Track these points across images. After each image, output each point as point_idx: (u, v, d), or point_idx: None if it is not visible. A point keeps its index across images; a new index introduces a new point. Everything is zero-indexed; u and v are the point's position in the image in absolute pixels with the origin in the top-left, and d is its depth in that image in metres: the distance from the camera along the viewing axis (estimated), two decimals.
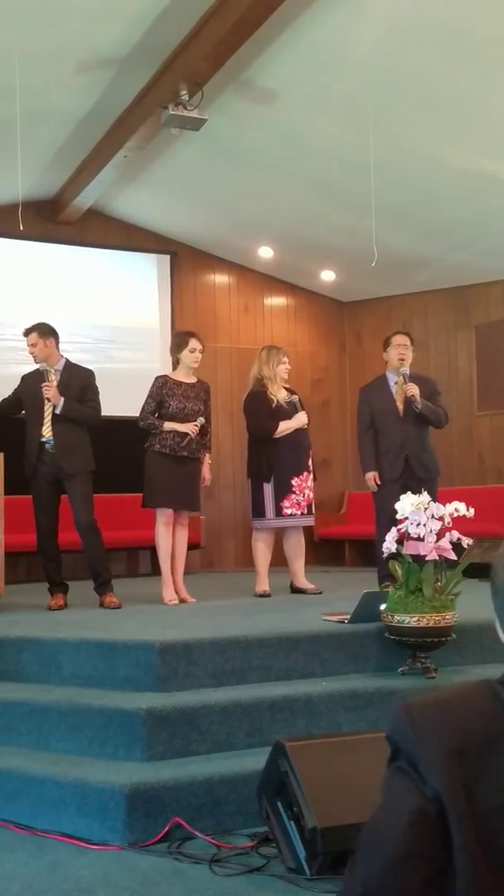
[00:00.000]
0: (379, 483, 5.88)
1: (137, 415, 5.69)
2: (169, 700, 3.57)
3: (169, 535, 5.62)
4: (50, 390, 5.45)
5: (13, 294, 8.24)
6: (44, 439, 5.49)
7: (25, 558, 7.50)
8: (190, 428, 5.58)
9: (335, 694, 3.76)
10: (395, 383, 5.95)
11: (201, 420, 5.65)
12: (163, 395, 5.63)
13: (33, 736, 3.68)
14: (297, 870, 2.85)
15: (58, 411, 5.45)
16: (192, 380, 5.79)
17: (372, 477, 5.90)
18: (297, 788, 2.86)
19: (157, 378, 5.76)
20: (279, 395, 5.94)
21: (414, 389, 5.80)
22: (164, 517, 5.60)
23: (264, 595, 5.82)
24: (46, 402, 5.48)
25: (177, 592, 5.65)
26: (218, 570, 8.73)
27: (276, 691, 3.73)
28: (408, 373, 5.91)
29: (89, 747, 3.53)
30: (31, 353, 5.60)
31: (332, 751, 3.03)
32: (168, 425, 5.56)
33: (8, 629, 4.48)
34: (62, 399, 5.44)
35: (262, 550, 5.92)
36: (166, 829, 3.13)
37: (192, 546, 6.90)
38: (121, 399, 6.85)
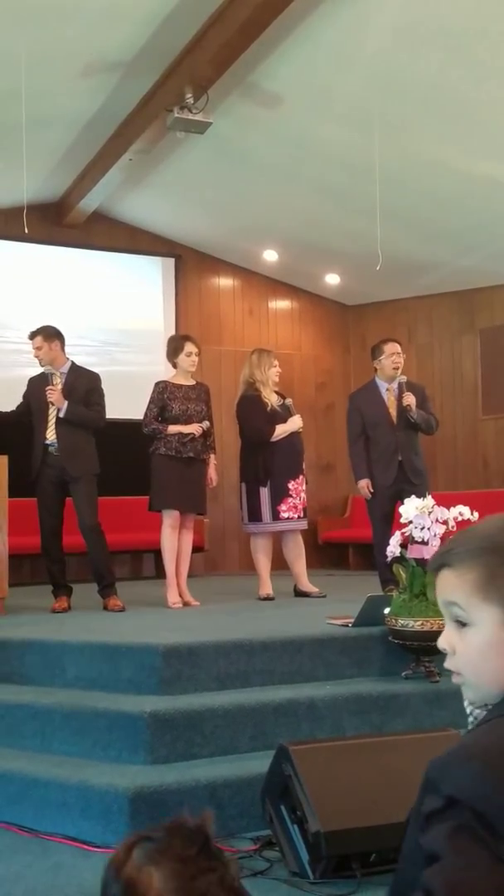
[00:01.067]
0: (372, 490, 5.88)
1: (141, 420, 5.70)
2: (172, 703, 3.56)
3: (175, 538, 5.62)
4: (53, 393, 5.46)
5: (18, 297, 8.25)
6: (48, 442, 5.50)
7: (30, 560, 7.51)
8: (195, 428, 5.60)
9: (339, 697, 3.75)
10: (387, 390, 5.94)
11: (206, 423, 5.68)
12: (164, 399, 5.65)
13: (37, 738, 3.68)
14: (300, 873, 2.84)
15: (61, 414, 5.47)
16: (191, 382, 5.81)
17: (365, 485, 5.89)
18: (300, 792, 2.86)
19: (156, 384, 5.77)
20: (272, 398, 5.94)
21: (410, 399, 5.81)
22: (170, 519, 5.61)
23: (268, 598, 5.82)
24: (50, 405, 5.50)
25: (181, 595, 5.65)
26: (222, 574, 8.73)
27: (280, 695, 3.73)
28: (404, 381, 5.91)
29: (93, 750, 3.52)
30: (37, 357, 5.62)
31: (335, 754, 3.02)
32: (172, 428, 5.58)
33: (12, 631, 4.48)
34: (66, 402, 5.46)
35: (261, 556, 5.92)
36: None
37: (196, 549, 6.88)
38: (126, 402, 6.85)
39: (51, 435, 5.51)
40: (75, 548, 5.74)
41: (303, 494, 5.89)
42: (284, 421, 5.89)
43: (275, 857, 2.98)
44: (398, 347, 5.99)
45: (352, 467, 6.11)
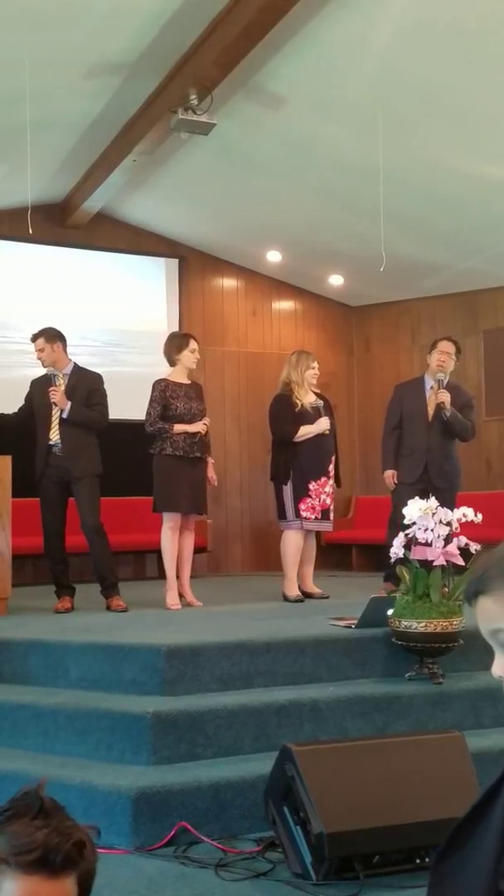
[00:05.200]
0: (396, 482, 5.97)
1: (144, 420, 5.67)
2: (175, 704, 3.57)
3: (175, 540, 5.61)
4: (56, 395, 5.48)
5: (22, 297, 8.25)
6: (52, 442, 5.51)
7: (32, 561, 7.51)
8: (200, 426, 5.60)
9: (342, 699, 3.75)
10: (431, 388, 5.98)
11: (207, 420, 5.69)
12: (167, 398, 5.62)
13: (40, 739, 3.69)
14: (303, 875, 2.85)
15: (64, 415, 5.48)
16: (188, 381, 5.81)
17: (390, 475, 6.00)
18: (303, 793, 2.86)
19: (157, 382, 5.71)
20: (305, 399, 5.95)
21: (444, 396, 5.84)
22: (171, 521, 5.59)
23: (298, 600, 5.76)
24: (54, 405, 5.51)
25: (183, 596, 5.64)
26: (225, 574, 8.73)
27: (283, 696, 3.73)
28: (444, 380, 5.93)
29: (96, 751, 3.53)
30: (39, 358, 5.64)
31: (338, 756, 3.02)
32: (178, 427, 5.55)
33: (15, 632, 4.49)
34: (69, 403, 5.47)
35: (292, 551, 5.84)
36: (172, 832, 3.13)
37: (199, 550, 6.89)
38: (129, 403, 6.84)
39: (54, 436, 5.52)
40: (77, 548, 5.74)
41: (324, 496, 5.85)
42: (313, 422, 5.90)
43: (277, 858, 2.99)
44: (450, 347, 6.02)
45: (381, 456, 6.17)
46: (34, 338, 5.65)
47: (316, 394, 6.08)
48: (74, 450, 5.51)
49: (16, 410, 5.79)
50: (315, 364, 6.10)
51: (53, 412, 5.54)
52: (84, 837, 1.44)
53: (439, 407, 5.84)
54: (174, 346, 5.83)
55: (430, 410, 5.93)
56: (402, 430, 6.03)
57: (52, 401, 5.49)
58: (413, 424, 5.96)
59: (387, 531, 5.96)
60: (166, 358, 5.86)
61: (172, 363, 5.81)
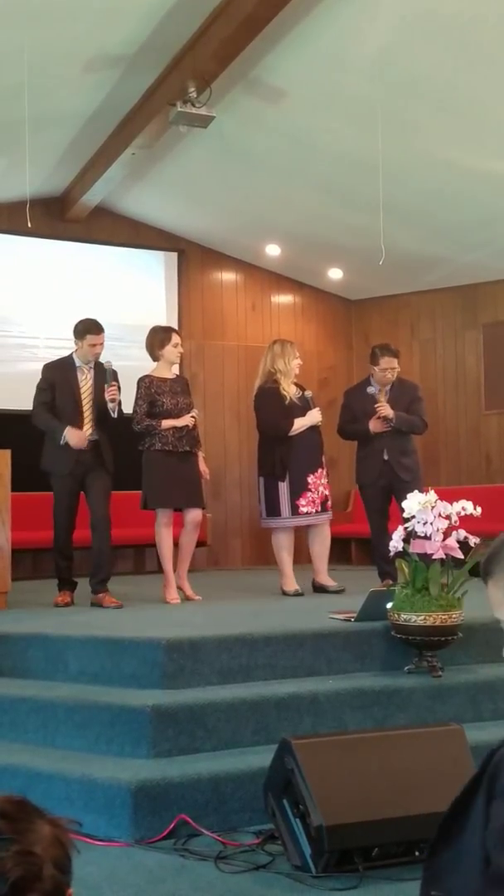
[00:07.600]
0: (361, 486, 6.08)
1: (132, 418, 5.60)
2: (175, 697, 3.58)
3: (170, 536, 5.59)
4: (116, 398, 5.43)
5: (21, 292, 8.24)
6: (88, 438, 5.46)
7: (32, 555, 7.52)
8: (188, 420, 5.57)
9: (341, 692, 3.76)
10: (378, 391, 5.99)
11: (196, 412, 5.66)
12: (152, 394, 5.57)
13: (40, 732, 3.70)
14: (302, 867, 2.85)
15: (114, 415, 5.44)
16: (173, 375, 5.77)
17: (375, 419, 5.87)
18: (302, 786, 2.86)
19: (141, 379, 5.65)
20: (290, 390, 5.84)
21: (385, 411, 5.83)
22: (164, 518, 5.57)
23: (297, 594, 5.71)
24: (86, 400, 5.46)
25: (182, 590, 5.63)
26: (224, 569, 8.74)
27: (282, 689, 3.74)
28: (383, 390, 5.95)
29: (96, 744, 3.54)
30: (97, 353, 5.55)
31: (338, 749, 3.03)
32: (166, 423, 5.51)
33: (15, 626, 4.50)
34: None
35: (285, 552, 5.79)
36: (172, 825, 3.14)
37: (199, 544, 6.89)
38: (129, 397, 6.84)
39: (88, 431, 5.47)
40: (79, 542, 5.74)
41: (322, 488, 5.78)
42: (303, 414, 5.79)
43: (277, 850, 3.00)
44: (394, 363, 5.96)
45: (354, 434, 6.10)
46: (101, 330, 5.54)
47: (296, 384, 5.95)
48: (105, 443, 5.53)
49: (42, 401, 5.51)
50: (298, 353, 6.01)
51: (85, 406, 5.49)
52: (38, 867, 1.28)
53: (384, 419, 5.84)
54: (157, 340, 5.75)
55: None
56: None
57: (111, 404, 5.41)
58: (366, 427, 5.93)
59: (371, 533, 6.03)
60: (149, 353, 5.78)
61: (155, 358, 5.74)
